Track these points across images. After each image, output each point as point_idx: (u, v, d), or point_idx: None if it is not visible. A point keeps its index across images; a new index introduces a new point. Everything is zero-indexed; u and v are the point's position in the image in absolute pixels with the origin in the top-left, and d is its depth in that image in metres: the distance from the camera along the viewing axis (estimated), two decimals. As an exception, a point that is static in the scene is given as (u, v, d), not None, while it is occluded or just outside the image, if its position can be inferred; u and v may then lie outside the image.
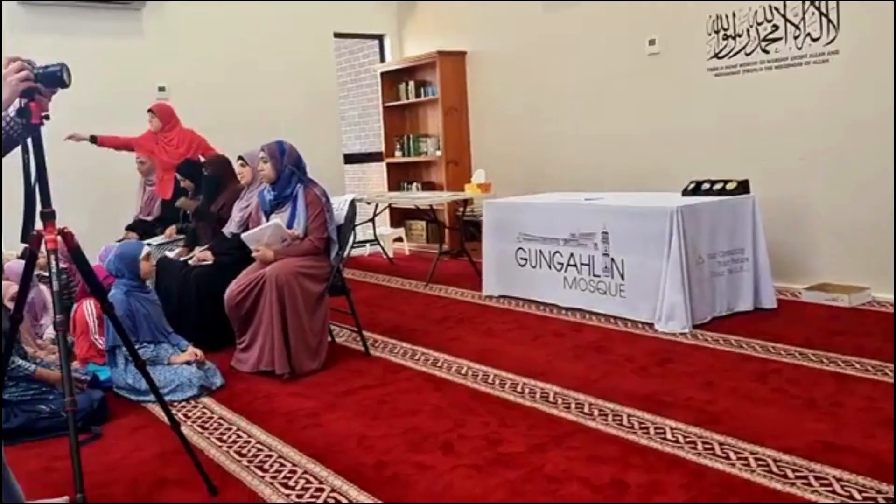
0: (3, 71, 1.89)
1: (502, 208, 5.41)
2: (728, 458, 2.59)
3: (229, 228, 4.46)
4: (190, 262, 4.42)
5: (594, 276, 4.70)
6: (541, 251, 5.05)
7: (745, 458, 2.58)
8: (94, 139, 5.69)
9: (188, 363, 3.61)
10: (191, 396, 3.50)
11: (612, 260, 4.58)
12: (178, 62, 6.68)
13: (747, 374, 3.45)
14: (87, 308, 3.93)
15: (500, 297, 5.31)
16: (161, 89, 6.61)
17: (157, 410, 3.30)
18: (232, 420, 3.24)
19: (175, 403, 3.42)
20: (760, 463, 2.54)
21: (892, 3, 4.40)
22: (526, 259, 5.17)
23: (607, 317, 4.58)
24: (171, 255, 4.67)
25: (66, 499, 2.47)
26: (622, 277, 4.53)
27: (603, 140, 6.13)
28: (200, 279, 4.23)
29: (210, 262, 4.30)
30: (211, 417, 3.29)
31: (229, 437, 3.06)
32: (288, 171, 4.01)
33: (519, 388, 3.43)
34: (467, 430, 2.97)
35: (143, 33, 6.56)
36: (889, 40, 4.43)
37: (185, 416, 3.32)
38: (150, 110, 5.69)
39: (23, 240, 2.06)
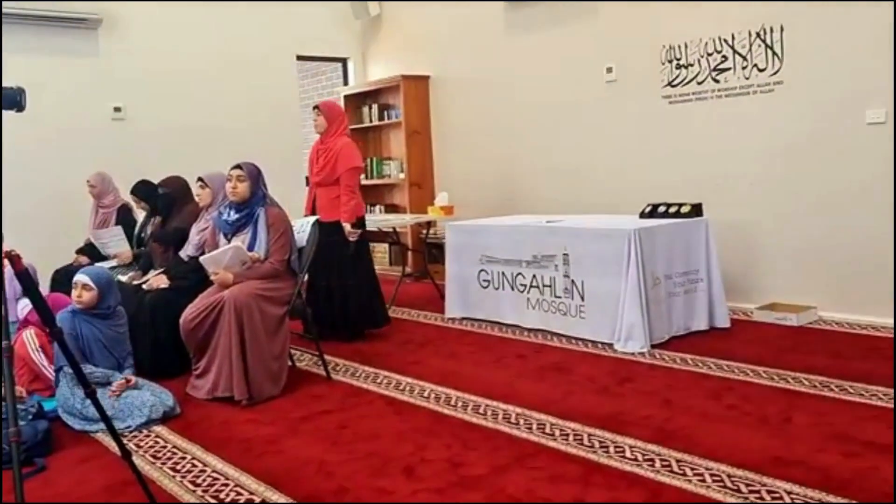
0: None
1: (465, 231, 5.43)
2: (685, 474, 2.62)
3: (186, 251, 4.40)
4: (144, 286, 4.34)
5: (555, 297, 4.73)
6: (503, 273, 5.08)
7: (701, 474, 2.61)
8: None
9: (130, 387, 3.50)
10: (141, 424, 3.41)
11: (573, 281, 4.62)
12: (136, 83, 6.62)
13: (703, 392, 3.50)
14: (28, 338, 3.81)
15: (462, 319, 5.32)
16: (117, 110, 6.54)
17: (106, 440, 3.22)
18: (186, 449, 3.18)
19: (126, 433, 3.33)
20: (715, 478, 2.57)
21: (828, 36, 4.58)
22: (489, 281, 5.19)
23: (568, 338, 4.62)
24: (123, 279, 4.58)
25: None
26: (582, 298, 4.57)
27: (563, 164, 6.21)
28: (155, 303, 4.15)
29: (165, 286, 4.24)
30: (164, 446, 3.22)
31: (183, 466, 2.99)
32: (261, 192, 4.01)
33: (481, 410, 3.43)
34: (429, 453, 2.96)
35: (98, 53, 6.50)
36: (828, 71, 4.63)
37: (137, 445, 3.23)
38: (315, 107, 4.82)
39: None
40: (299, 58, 7.78)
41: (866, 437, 2.84)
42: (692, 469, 2.66)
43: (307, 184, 5.20)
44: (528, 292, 4.91)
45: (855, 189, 4.58)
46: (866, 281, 4.58)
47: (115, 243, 5.22)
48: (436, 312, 5.59)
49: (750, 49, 4.98)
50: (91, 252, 5.35)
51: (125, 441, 3.06)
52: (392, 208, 7.80)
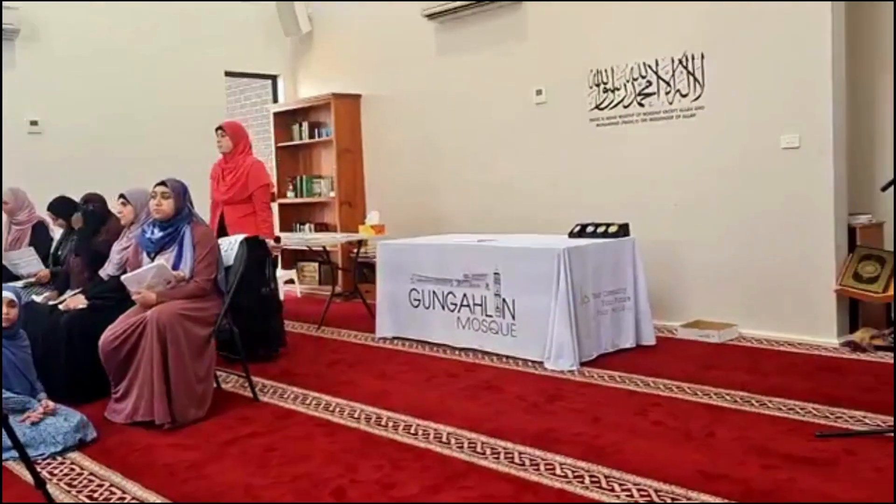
0: None
1: (396, 249, 5.41)
2: (613, 490, 2.66)
3: (106, 271, 4.24)
4: (60, 306, 4.15)
5: (487, 315, 4.76)
6: (434, 292, 5.08)
7: (629, 490, 2.65)
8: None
9: (45, 415, 3.33)
10: (55, 452, 3.23)
11: (504, 300, 4.65)
12: (54, 95, 6.38)
13: (630, 408, 3.57)
14: None
15: (393, 339, 5.28)
16: (33, 123, 6.29)
17: (17, 468, 3.05)
18: (104, 475, 3.03)
19: (39, 461, 3.15)
20: (643, 494, 2.62)
21: (745, 64, 4.80)
22: (419, 300, 5.17)
23: (499, 356, 4.64)
24: (38, 299, 4.38)
25: None
26: (513, 317, 4.60)
27: (494, 184, 6.28)
28: (72, 324, 3.97)
29: (83, 306, 4.06)
30: (80, 474, 3.06)
31: (101, 494, 2.86)
32: (186, 210, 3.90)
33: (412, 430, 3.40)
34: (359, 474, 2.91)
35: (15, 64, 6.24)
36: (746, 97, 4.84)
37: (51, 473, 3.07)
38: (219, 128, 5.01)
39: None
40: (228, 74, 7.65)
41: (784, 449, 2.94)
42: (620, 485, 2.69)
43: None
44: (459, 311, 4.92)
45: (771, 211, 4.78)
46: (783, 299, 4.77)
47: (28, 263, 4.99)
48: (366, 332, 5.53)
49: (673, 75, 5.16)
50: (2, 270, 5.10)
51: (39, 469, 2.91)
52: (322, 227, 7.71)
